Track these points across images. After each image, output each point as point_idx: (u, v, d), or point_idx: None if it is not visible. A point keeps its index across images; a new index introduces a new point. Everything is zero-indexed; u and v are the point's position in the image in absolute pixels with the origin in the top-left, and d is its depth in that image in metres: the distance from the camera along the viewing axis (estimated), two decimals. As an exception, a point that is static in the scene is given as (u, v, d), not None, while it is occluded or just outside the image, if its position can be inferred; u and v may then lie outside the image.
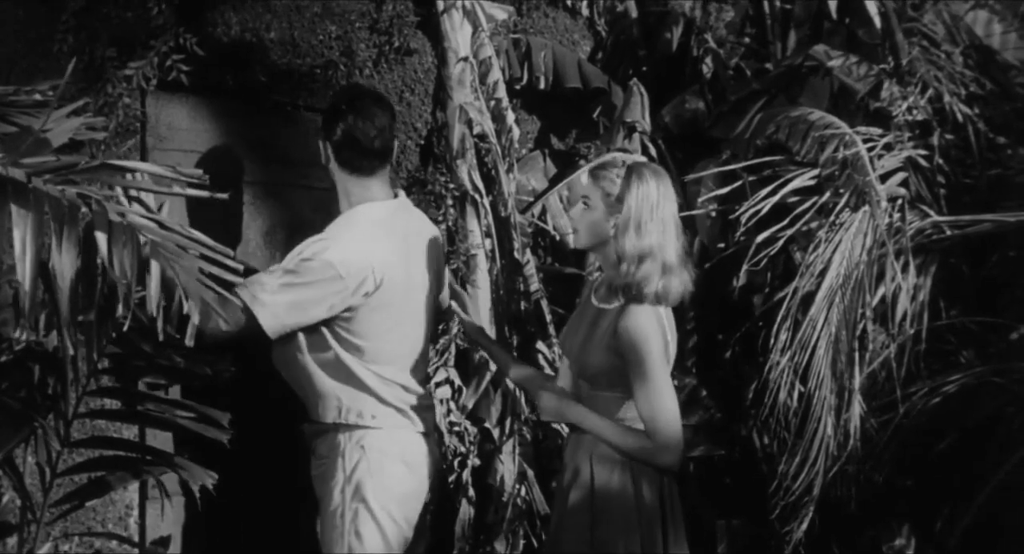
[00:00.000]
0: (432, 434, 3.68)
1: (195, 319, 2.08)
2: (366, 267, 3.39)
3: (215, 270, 2.20)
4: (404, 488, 3.51)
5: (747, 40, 5.85)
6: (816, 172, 4.94)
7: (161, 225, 2.18)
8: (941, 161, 5.21)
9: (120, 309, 2.09)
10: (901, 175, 5.04)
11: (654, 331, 3.22)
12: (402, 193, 3.71)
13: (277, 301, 3.30)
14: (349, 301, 3.38)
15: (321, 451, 3.52)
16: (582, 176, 3.64)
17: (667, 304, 3.31)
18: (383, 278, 3.42)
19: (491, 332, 4.61)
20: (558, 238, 5.19)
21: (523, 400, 4.67)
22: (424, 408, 3.62)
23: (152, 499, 3.73)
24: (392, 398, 3.49)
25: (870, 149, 4.89)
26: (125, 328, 2.54)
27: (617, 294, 3.29)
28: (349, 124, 3.51)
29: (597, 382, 3.32)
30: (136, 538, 3.69)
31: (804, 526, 4.82)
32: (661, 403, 3.18)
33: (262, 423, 3.77)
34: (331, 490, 3.45)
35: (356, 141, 3.50)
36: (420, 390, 3.62)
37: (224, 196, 2.50)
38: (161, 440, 3.65)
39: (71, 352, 2.62)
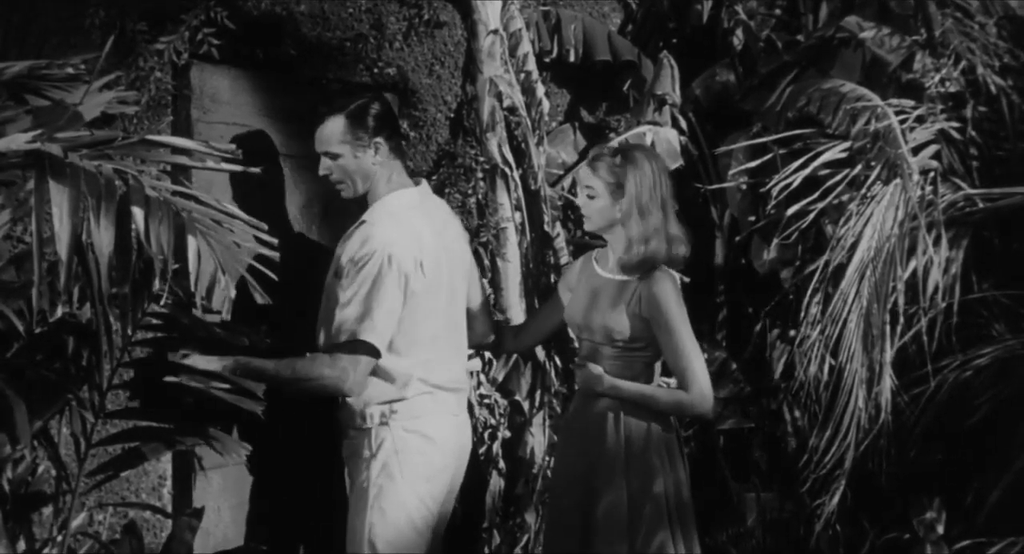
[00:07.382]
0: (460, 415, 3.75)
1: (231, 293, 2.10)
2: (410, 254, 3.50)
3: (251, 244, 2.22)
4: (430, 465, 3.59)
5: (778, 12, 5.79)
6: (847, 145, 4.91)
7: (197, 200, 2.19)
8: (974, 133, 5.18)
9: (156, 283, 2.12)
10: (933, 148, 5.01)
11: (677, 293, 3.61)
12: (424, 181, 3.80)
13: (376, 321, 3.41)
14: (408, 287, 3.49)
15: (350, 433, 3.64)
16: (580, 168, 3.83)
17: (676, 268, 3.72)
18: (422, 261, 3.53)
19: (521, 305, 4.63)
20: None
21: (553, 373, 4.68)
22: (454, 390, 3.69)
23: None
24: (414, 388, 3.57)
25: (902, 121, 4.85)
26: (162, 302, 2.56)
27: (631, 268, 3.63)
28: (384, 103, 3.63)
29: (627, 346, 3.62)
30: (169, 508, 3.72)
31: (835, 499, 4.84)
32: (692, 359, 3.54)
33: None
34: (358, 467, 3.58)
35: (395, 118, 3.65)
36: (450, 372, 3.70)
37: (257, 170, 2.51)
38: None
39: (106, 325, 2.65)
